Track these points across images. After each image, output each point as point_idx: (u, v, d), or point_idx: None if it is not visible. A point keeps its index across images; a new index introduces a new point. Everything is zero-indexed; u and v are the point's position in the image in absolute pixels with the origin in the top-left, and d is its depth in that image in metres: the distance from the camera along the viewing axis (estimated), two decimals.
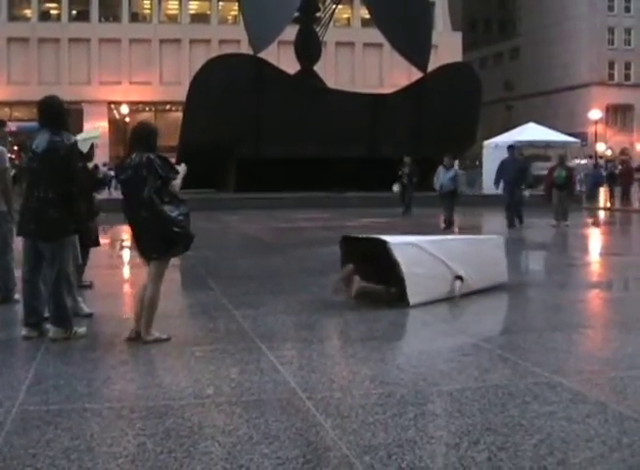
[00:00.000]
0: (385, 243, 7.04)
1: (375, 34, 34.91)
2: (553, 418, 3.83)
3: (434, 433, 3.68)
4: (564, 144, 31.90)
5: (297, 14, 30.87)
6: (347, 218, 19.19)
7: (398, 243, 7.22)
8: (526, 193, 17.03)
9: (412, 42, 30.32)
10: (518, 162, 17.39)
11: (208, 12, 53.45)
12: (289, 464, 3.26)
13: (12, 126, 24.64)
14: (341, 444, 3.49)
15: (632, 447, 3.43)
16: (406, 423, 3.76)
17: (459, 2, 63.44)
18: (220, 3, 53.35)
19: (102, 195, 9.71)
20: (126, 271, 10.88)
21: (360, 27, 52.17)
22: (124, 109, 46.98)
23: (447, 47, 48.19)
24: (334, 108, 27.92)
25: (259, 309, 6.91)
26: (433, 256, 7.23)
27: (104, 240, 8.85)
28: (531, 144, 30.32)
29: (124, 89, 49.24)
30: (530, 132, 30.74)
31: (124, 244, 13.72)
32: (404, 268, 6.89)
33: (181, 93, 30.85)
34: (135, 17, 53.12)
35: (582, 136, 44.87)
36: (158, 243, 5.51)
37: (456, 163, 21.29)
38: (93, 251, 8.01)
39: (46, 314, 5.77)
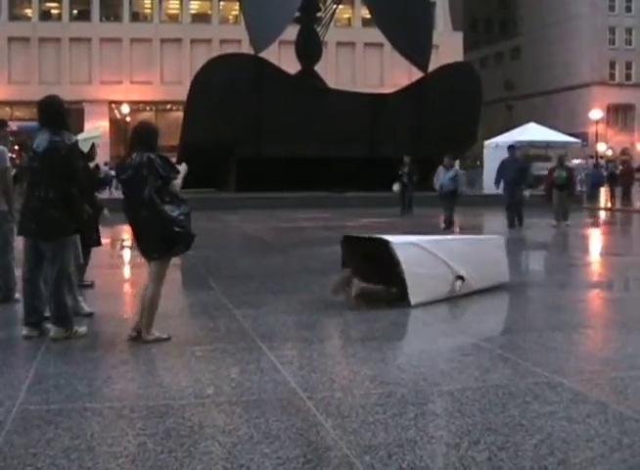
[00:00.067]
0: (387, 242, 7.04)
1: (376, 34, 34.89)
2: (553, 418, 3.83)
3: (435, 433, 3.68)
4: (564, 144, 31.90)
5: (297, 14, 30.86)
6: (348, 218, 19.19)
7: (400, 242, 7.22)
8: (527, 193, 17.03)
9: (413, 42, 30.31)
10: (518, 162, 17.38)
11: (209, 11, 53.45)
12: (289, 464, 3.26)
13: (13, 126, 24.62)
14: (341, 443, 3.49)
15: (633, 448, 3.43)
16: (406, 423, 3.76)
17: (460, 2, 63.43)
18: (221, 3, 53.35)
19: (103, 194, 9.73)
20: (127, 271, 10.89)
21: (361, 27, 52.17)
22: (125, 108, 47.00)
23: (448, 47, 48.19)
24: (334, 108, 27.92)
25: (260, 309, 6.91)
26: (434, 255, 7.23)
27: (104, 240, 8.85)
28: (532, 144, 30.33)
29: (125, 89, 49.25)
30: (531, 132, 30.75)
31: (125, 243, 13.73)
32: (406, 268, 6.89)
33: (182, 93, 30.84)
34: (136, 16, 53.13)
35: (583, 136, 44.88)
36: (158, 242, 5.51)
37: (457, 162, 21.30)
38: (94, 250, 8.01)
39: (47, 314, 5.77)
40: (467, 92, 30.03)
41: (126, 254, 12.67)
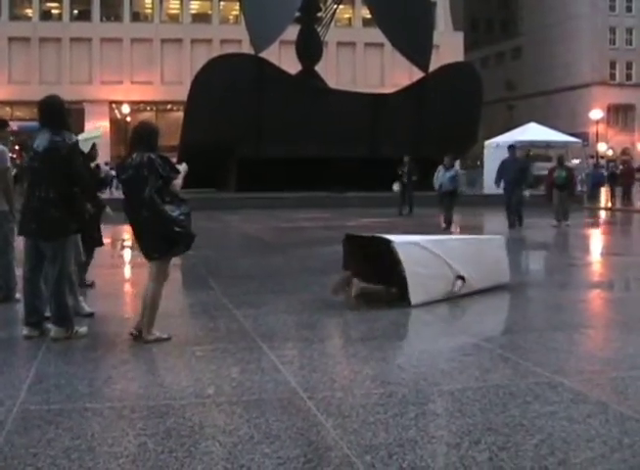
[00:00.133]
0: (388, 242, 7.04)
1: (376, 34, 34.88)
2: (554, 418, 3.83)
3: (435, 433, 3.68)
4: (565, 144, 31.88)
5: (298, 14, 30.86)
6: (348, 218, 19.18)
7: (401, 242, 7.22)
8: (527, 193, 17.02)
9: (413, 42, 30.30)
10: (518, 161, 17.37)
11: (210, 11, 53.44)
12: (290, 464, 3.26)
13: (13, 126, 24.62)
14: (342, 443, 3.49)
15: (633, 448, 3.43)
16: (407, 423, 3.76)
17: (460, 2, 63.46)
18: (222, 3, 53.34)
19: (103, 194, 9.73)
20: (128, 271, 10.89)
21: (361, 27, 52.15)
22: (125, 108, 47.01)
23: (449, 47, 48.19)
24: (335, 108, 27.91)
25: (260, 309, 6.91)
26: (435, 255, 7.23)
27: (105, 239, 8.84)
28: (533, 144, 30.33)
29: (126, 89, 49.25)
30: (532, 132, 30.75)
31: (125, 243, 13.73)
32: (406, 267, 6.89)
33: (182, 93, 30.84)
34: (136, 16, 53.13)
35: (584, 136, 44.84)
36: (159, 242, 5.51)
37: (457, 162, 21.27)
38: (95, 250, 8.01)
39: (47, 314, 5.77)
40: (467, 92, 30.02)
41: (127, 254, 12.67)
